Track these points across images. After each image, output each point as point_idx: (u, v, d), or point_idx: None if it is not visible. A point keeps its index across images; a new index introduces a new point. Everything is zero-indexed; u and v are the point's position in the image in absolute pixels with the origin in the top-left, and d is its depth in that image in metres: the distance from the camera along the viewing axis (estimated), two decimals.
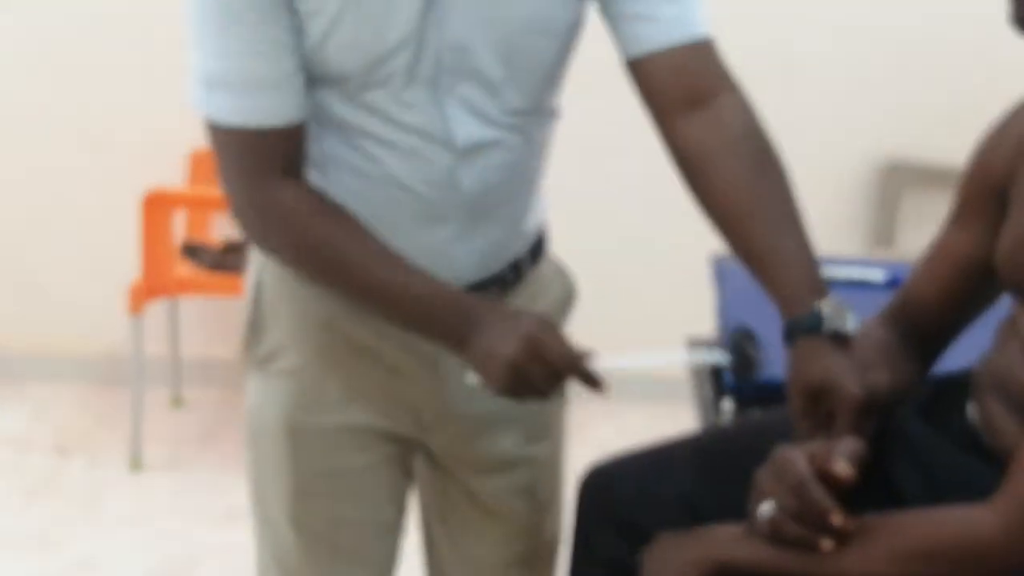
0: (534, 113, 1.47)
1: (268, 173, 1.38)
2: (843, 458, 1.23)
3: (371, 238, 1.40)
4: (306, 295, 1.48)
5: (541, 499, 1.68)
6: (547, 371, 1.35)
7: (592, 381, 1.37)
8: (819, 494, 1.22)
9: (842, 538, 1.21)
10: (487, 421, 1.58)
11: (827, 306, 1.33)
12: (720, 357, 1.38)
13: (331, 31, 1.32)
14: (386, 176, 1.41)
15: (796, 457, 1.25)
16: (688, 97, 1.40)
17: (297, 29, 1.33)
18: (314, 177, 1.43)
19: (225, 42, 1.33)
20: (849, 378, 1.31)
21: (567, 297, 1.64)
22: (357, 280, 1.41)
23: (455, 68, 1.37)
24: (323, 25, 1.32)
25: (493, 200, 1.47)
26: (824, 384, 1.32)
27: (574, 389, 1.47)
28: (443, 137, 1.40)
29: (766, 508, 1.25)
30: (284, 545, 1.59)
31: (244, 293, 1.56)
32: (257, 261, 1.52)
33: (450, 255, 1.46)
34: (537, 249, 1.59)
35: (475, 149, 1.42)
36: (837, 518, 1.21)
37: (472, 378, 1.40)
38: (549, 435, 1.67)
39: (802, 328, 1.33)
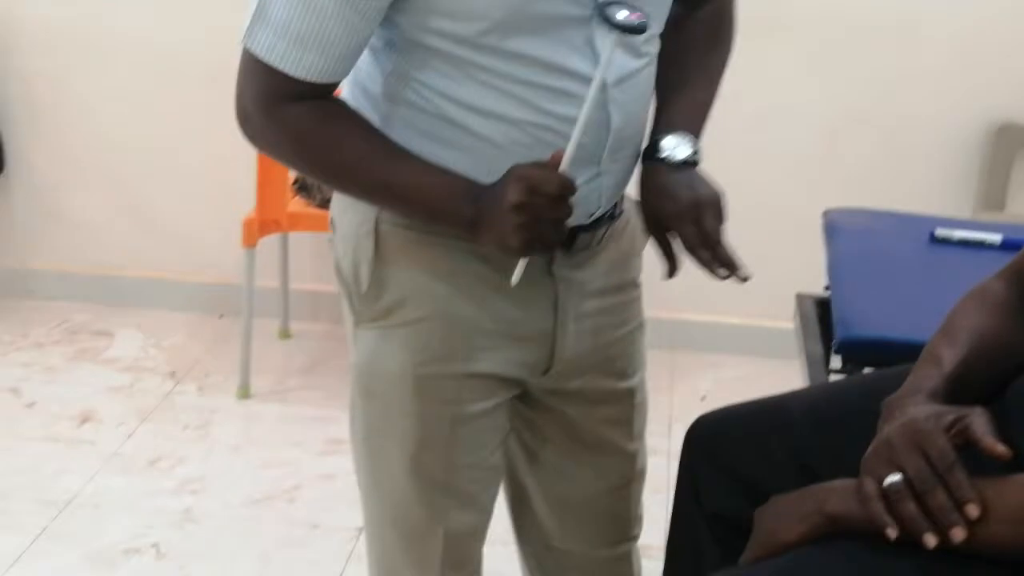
0: (657, 36, 1.47)
1: (285, 100, 1.36)
2: (991, 434, 1.20)
3: (372, 136, 1.38)
4: (432, 242, 1.45)
5: (636, 430, 1.70)
6: (548, 199, 1.31)
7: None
8: (963, 481, 1.18)
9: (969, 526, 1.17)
10: (590, 360, 1.59)
11: (674, 138, 1.49)
12: None
13: None
14: (537, 122, 1.37)
15: (935, 429, 1.22)
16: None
17: None
18: (446, 127, 1.39)
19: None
20: (678, 188, 1.47)
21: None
22: (362, 181, 1.40)
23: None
24: None
25: (628, 135, 1.45)
26: (658, 196, 1.48)
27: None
28: (593, 74, 1.34)
29: (894, 480, 1.22)
30: (399, 496, 1.58)
31: (347, 246, 1.51)
32: (364, 213, 1.47)
33: (582, 197, 1.41)
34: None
35: (621, 83, 1.40)
36: (973, 509, 1.17)
37: (514, 275, 1.40)
38: (640, 369, 1.69)
39: (647, 155, 1.50)
